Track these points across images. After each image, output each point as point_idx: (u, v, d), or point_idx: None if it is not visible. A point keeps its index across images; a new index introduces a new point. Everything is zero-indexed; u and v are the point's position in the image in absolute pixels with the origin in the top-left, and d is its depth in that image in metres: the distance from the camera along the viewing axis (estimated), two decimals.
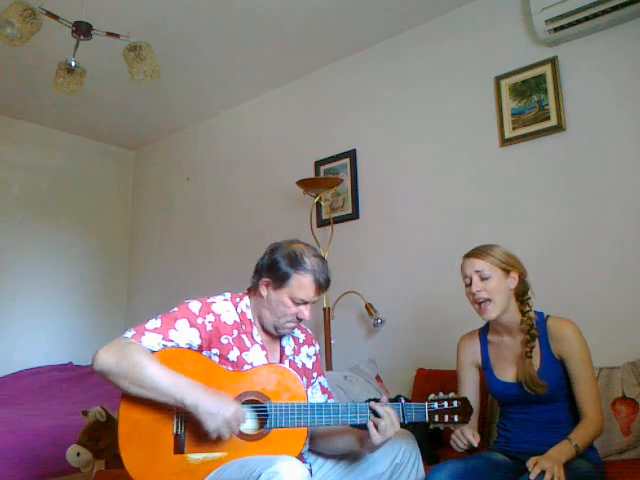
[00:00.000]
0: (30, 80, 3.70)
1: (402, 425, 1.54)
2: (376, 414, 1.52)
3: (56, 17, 2.45)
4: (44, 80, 3.27)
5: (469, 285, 1.79)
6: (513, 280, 1.78)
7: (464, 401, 1.57)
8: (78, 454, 2.34)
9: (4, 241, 4.19)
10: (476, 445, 1.64)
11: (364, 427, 1.54)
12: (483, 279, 1.75)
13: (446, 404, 1.56)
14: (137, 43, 2.54)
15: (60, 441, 2.55)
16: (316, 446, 1.73)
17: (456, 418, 1.55)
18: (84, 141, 4.74)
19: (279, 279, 1.65)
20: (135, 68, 2.55)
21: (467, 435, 1.64)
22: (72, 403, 3.44)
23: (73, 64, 2.60)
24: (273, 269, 1.66)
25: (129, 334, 1.55)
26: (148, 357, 1.49)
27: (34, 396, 3.71)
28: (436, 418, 1.55)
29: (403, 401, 1.57)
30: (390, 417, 1.50)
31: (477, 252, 1.80)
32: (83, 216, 4.65)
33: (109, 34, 2.57)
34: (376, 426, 1.50)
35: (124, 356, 1.48)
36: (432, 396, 1.58)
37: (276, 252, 1.69)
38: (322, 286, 1.67)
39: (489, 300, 1.75)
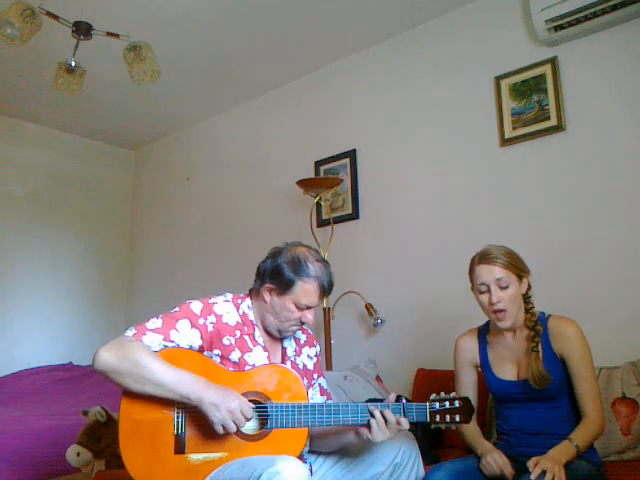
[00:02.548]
0: (30, 80, 3.70)
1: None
2: (373, 416, 1.52)
3: (56, 17, 2.45)
4: (44, 80, 3.28)
5: (485, 293, 1.75)
6: (524, 285, 1.78)
7: (465, 401, 1.57)
8: (78, 454, 2.34)
9: (4, 241, 4.19)
10: (509, 477, 1.62)
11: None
12: (502, 288, 1.73)
13: (447, 404, 1.55)
14: (137, 43, 2.55)
15: (60, 441, 2.55)
16: (312, 445, 1.73)
17: (457, 418, 1.55)
18: (84, 141, 4.74)
19: (283, 285, 1.64)
20: (135, 68, 2.56)
21: (506, 470, 1.63)
22: (72, 403, 3.44)
23: (73, 64, 2.60)
24: (277, 275, 1.65)
25: (130, 333, 1.55)
26: (150, 354, 1.49)
27: (34, 396, 3.71)
28: (437, 418, 1.55)
29: (404, 401, 1.57)
30: (382, 424, 1.50)
31: (494, 258, 1.74)
32: (83, 216, 4.65)
33: (109, 34, 2.58)
34: (370, 428, 1.51)
35: (126, 354, 1.48)
36: (433, 396, 1.58)
37: (279, 257, 1.67)
38: (326, 291, 1.67)
39: (505, 310, 1.73)
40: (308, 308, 1.66)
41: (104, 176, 4.85)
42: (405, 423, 1.53)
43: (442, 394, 1.58)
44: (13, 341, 4.12)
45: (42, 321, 4.29)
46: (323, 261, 1.69)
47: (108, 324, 4.53)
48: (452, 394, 1.58)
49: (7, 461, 2.56)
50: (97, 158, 4.82)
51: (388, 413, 1.52)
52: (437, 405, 1.55)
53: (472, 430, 1.83)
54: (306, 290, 1.63)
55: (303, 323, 1.69)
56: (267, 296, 1.67)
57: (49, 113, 4.25)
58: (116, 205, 4.92)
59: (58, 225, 4.49)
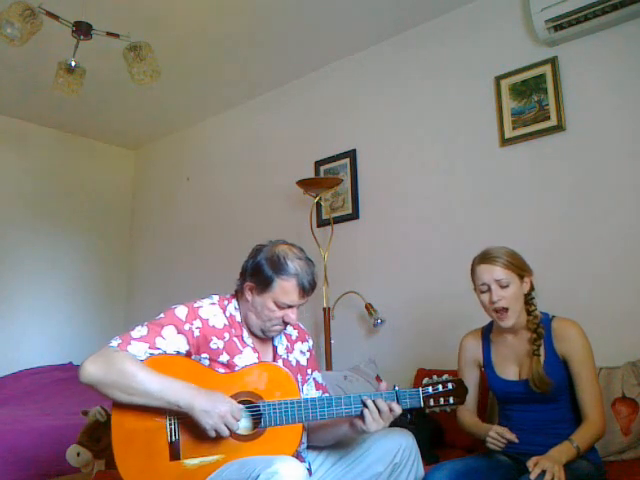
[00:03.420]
0: (30, 80, 3.70)
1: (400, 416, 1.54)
2: (366, 406, 1.52)
3: (56, 17, 2.45)
4: (44, 80, 3.27)
5: (485, 292, 1.76)
6: (526, 285, 1.78)
7: (459, 383, 1.56)
8: (78, 454, 2.34)
9: (4, 241, 4.19)
10: (517, 441, 1.63)
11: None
12: (502, 287, 1.73)
13: (440, 387, 1.54)
14: (137, 43, 2.55)
15: (60, 441, 2.55)
16: (308, 440, 1.72)
17: (452, 400, 1.54)
18: (84, 141, 4.74)
19: (262, 284, 1.62)
20: (135, 68, 2.56)
21: (507, 435, 1.64)
22: (72, 403, 3.44)
23: (73, 64, 2.60)
24: (256, 273, 1.63)
25: (115, 343, 1.52)
26: (136, 364, 1.48)
27: (34, 396, 3.71)
28: (431, 402, 1.54)
29: (397, 388, 1.55)
30: (376, 414, 1.51)
31: (494, 258, 1.75)
32: (83, 216, 4.65)
33: (109, 34, 2.58)
34: (364, 418, 1.51)
35: (112, 365, 1.46)
36: (426, 380, 1.57)
37: (259, 255, 1.65)
38: (307, 290, 1.63)
39: (507, 309, 1.74)
40: (290, 307, 1.63)
41: (104, 176, 4.85)
42: (397, 408, 1.52)
43: (435, 377, 1.56)
44: (13, 341, 4.12)
45: (42, 321, 4.30)
46: (306, 259, 1.66)
47: (108, 324, 4.53)
48: (445, 376, 1.57)
49: (7, 461, 2.56)
50: (97, 158, 4.82)
51: (380, 402, 1.52)
52: (430, 389, 1.54)
53: (470, 420, 1.84)
54: (285, 288, 1.60)
55: (287, 323, 1.66)
56: (249, 295, 1.65)
57: (49, 113, 4.25)
58: (116, 205, 4.92)
59: (58, 225, 4.49)
